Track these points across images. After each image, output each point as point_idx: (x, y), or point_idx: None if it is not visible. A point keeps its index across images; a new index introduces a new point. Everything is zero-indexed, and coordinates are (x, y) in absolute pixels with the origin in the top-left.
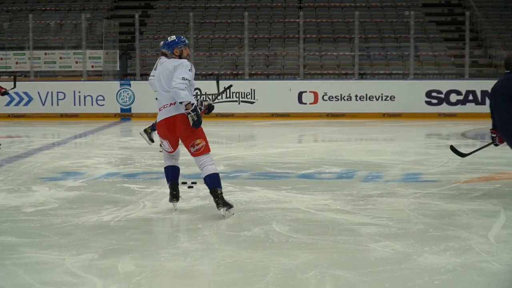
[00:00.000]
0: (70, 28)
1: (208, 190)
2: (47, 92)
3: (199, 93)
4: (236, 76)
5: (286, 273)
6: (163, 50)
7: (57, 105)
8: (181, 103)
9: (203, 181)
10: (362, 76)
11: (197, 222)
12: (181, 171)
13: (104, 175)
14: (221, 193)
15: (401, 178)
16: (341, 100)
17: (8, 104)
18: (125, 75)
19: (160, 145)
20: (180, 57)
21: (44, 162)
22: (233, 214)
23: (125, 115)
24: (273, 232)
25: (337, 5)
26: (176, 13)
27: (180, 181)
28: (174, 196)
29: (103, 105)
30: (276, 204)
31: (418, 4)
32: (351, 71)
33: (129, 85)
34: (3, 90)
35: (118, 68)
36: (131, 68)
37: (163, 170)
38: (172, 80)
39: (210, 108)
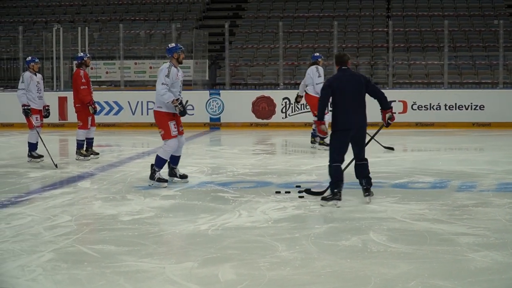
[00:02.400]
0: (160, 37)
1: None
2: (137, 102)
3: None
4: None
5: (387, 282)
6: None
7: (147, 114)
8: (167, 103)
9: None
10: (451, 85)
11: (294, 231)
12: (274, 180)
13: (198, 184)
14: (154, 170)
15: (495, 187)
16: (430, 109)
17: (98, 113)
18: (214, 85)
19: None
20: (178, 60)
21: (137, 171)
22: (165, 187)
23: (215, 124)
24: (371, 242)
25: (425, 14)
26: (265, 23)
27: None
28: (169, 173)
29: (193, 114)
30: (371, 213)
31: (506, 13)
32: (440, 80)
33: (219, 94)
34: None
35: (207, 78)
36: (220, 77)
37: (256, 179)
38: (156, 85)
39: (181, 113)
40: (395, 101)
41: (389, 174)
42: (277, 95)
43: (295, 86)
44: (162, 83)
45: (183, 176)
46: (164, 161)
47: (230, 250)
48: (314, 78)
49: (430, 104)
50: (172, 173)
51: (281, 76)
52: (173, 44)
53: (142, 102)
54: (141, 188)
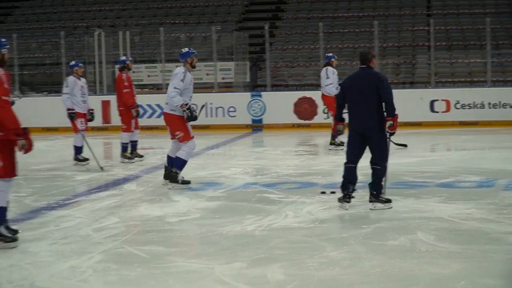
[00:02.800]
0: (200, 40)
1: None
2: None
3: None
4: None
5: (437, 282)
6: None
7: None
8: (176, 106)
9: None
10: (494, 83)
11: (341, 231)
12: (318, 181)
13: (243, 185)
14: (176, 172)
15: None
16: (474, 108)
17: (141, 116)
18: (255, 86)
19: None
20: (191, 64)
21: (182, 173)
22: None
23: (257, 126)
24: (419, 241)
25: (467, 12)
26: (305, 24)
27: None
28: (164, 176)
29: (235, 116)
30: (418, 213)
31: None
32: (483, 78)
33: (260, 96)
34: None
35: (248, 79)
36: (261, 79)
37: (301, 180)
38: (168, 88)
39: (189, 118)
40: (438, 100)
41: (434, 174)
42: (319, 96)
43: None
44: (175, 87)
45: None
46: (185, 162)
47: (278, 250)
48: (323, 80)
49: (474, 102)
50: (169, 175)
51: None
52: (186, 49)
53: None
54: (186, 190)
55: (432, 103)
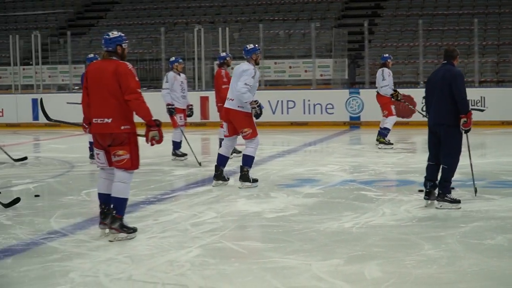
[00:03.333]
0: (299, 37)
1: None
2: (277, 101)
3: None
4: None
5: None
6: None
7: (287, 113)
8: (245, 102)
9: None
10: None
11: (439, 229)
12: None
13: (340, 182)
14: (247, 171)
15: None
16: None
17: None
18: (353, 84)
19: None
20: (256, 61)
21: (279, 170)
22: (256, 186)
23: (354, 123)
24: None
25: None
26: (404, 21)
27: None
28: (214, 176)
29: (332, 113)
30: None
31: None
32: None
33: (358, 93)
34: None
35: (346, 77)
36: (359, 76)
37: (398, 178)
38: (237, 83)
39: (257, 115)
40: None
41: None
42: (417, 94)
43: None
44: (246, 83)
45: (255, 180)
46: (253, 159)
47: (375, 248)
48: (379, 81)
49: None
50: (221, 176)
51: (421, 75)
52: (252, 45)
53: (282, 101)
54: (283, 186)
55: None
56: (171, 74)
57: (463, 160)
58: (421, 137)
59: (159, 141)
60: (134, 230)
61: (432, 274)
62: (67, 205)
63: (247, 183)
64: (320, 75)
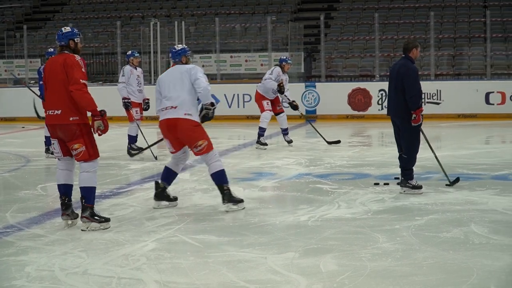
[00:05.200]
0: (255, 31)
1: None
2: (233, 95)
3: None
4: (421, 77)
5: (490, 274)
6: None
7: (243, 107)
8: (205, 104)
9: (211, 178)
10: None
11: (394, 222)
12: (372, 172)
13: (296, 175)
14: (228, 189)
15: None
16: None
17: None
18: (309, 77)
19: None
20: (186, 64)
21: (235, 163)
22: (243, 208)
23: (311, 116)
24: (472, 234)
25: None
26: (360, 14)
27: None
28: (155, 195)
29: (288, 107)
30: (472, 205)
31: None
32: None
33: (314, 86)
34: None
35: (302, 70)
36: (315, 70)
37: (354, 171)
38: (200, 82)
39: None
40: (493, 92)
41: (489, 166)
42: (373, 87)
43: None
44: (207, 80)
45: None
46: (224, 172)
47: (330, 241)
48: (266, 74)
49: None
50: (164, 195)
51: (377, 68)
52: (181, 46)
53: (238, 95)
54: (239, 180)
55: (487, 95)
56: (127, 68)
57: (422, 153)
58: (376, 131)
59: (104, 130)
60: (106, 219)
61: (387, 267)
62: (23, 200)
63: (232, 206)
64: None
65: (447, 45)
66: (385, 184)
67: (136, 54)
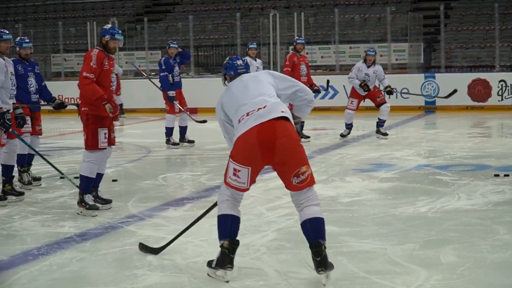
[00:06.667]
0: (374, 21)
1: None
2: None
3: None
4: None
5: None
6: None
7: None
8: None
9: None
10: None
11: None
12: (492, 163)
13: (415, 166)
14: (325, 248)
15: None
16: None
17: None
18: (429, 68)
19: None
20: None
21: (355, 154)
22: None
23: (430, 107)
24: None
25: None
26: (480, 5)
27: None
28: (229, 261)
29: (408, 97)
30: None
31: None
32: None
33: (434, 77)
34: (315, 87)
35: (422, 61)
36: (435, 60)
37: (474, 162)
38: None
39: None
40: None
41: None
42: (493, 78)
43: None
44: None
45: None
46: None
47: (450, 232)
48: None
49: None
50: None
51: (497, 58)
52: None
53: None
54: (358, 171)
55: None
56: (247, 59)
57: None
58: (496, 122)
59: (114, 111)
60: (91, 207)
61: (507, 258)
62: (144, 190)
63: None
64: (395, 59)
65: None
66: (505, 175)
67: (252, 46)
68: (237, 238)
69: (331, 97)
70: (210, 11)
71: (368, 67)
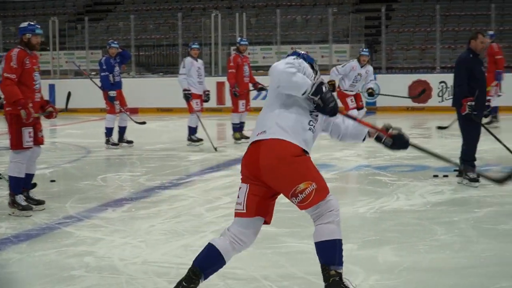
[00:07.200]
0: (316, 22)
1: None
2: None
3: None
4: None
5: None
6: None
7: None
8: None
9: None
10: None
11: (452, 215)
12: (431, 164)
13: (355, 167)
14: (338, 274)
15: None
16: None
17: (255, 98)
18: None
19: None
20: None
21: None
22: None
23: (370, 108)
24: None
25: None
26: (421, 6)
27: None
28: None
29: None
30: None
31: None
32: None
33: (375, 78)
34: (260, 86)
35: None
36: (376, 61)
37: (414, 163)
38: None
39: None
40: None
41: None
42: (433, 79)
43: (452, 70)
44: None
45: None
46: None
47: (389, 233)
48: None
49: None
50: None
51: (438, 60)
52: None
53: None
54: None
55: None
56: (188, 59)
57: (481, 145)
58: (436, 123)
59: (27, 118)
60: (25, 207)
61: (445, 258)
62: (83, 190)
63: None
64: (336, 60)
65: (508, 37)
66: (444, 176)
67: (195, 46)
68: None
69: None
70: (152, 10)
71: (362, 66)
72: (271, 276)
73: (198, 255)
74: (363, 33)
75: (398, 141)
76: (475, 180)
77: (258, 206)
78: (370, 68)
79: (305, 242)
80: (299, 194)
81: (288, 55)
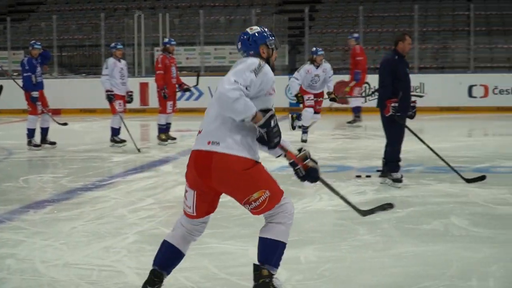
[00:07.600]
0: (240, 23)
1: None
2: (217, 87)
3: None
4: None
5: (469, 266)
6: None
7: None
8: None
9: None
10: None
11: (375, 215)
12: (354, 165)
13: (278, 168)
14: (270, 276)
15: None
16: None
17: (179, 99)
18: (293, 70)
19: None
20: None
21: None
22: None
23: (294, 109)
24: (452, 226)
25: None
26: (345, 7)
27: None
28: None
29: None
30: (452, 198)
31: None
32: None
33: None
34: (185, 86)
35: (287, 63)
36: (299, 62)
37: (337, 163)
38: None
39: None
40: (476, 85)
41: (470, 159)
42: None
43: (376, 70)
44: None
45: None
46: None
47: (311, 233)
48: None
49: None
50: None
51: None
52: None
53: None
54: None
55: (470, 88)
56: (111, 60)
57: (403, 146)
58: (363, 122)
59: None
60: None
61: (367, 258)
62: (5, 192)
63: None
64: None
65: (431, 38)
66: (367, 176)
67: (119, 46)
68: (165, 273)
69: (196, 99)
70: (75, 11)
71: (317, 67)
72: (193, 277)
73: (156, 255)
74: (287, 34)
75: (311, 175)
76: (399, 180)
77: (208, 208)
78: (327, 65)
79: (228, 243)
80: (252, 202)
81: (250, 52)
